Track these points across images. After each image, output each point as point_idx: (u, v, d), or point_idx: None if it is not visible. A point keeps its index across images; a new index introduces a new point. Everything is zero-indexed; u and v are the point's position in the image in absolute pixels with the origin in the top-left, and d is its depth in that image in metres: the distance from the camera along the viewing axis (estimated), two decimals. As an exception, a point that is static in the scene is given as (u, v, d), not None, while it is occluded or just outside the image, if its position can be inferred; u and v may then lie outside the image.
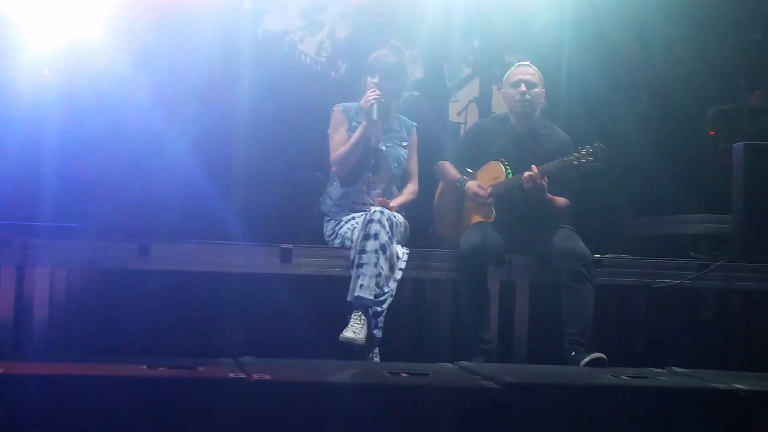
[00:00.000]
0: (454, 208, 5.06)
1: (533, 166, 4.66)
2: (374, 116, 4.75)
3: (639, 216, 6.49)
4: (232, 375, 3.49)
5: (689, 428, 3.69)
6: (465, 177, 5.00)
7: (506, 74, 5.03)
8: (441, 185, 5.20)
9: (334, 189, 4.92)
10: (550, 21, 6.87)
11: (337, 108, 4.95)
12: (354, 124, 4.86)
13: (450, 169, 5.09)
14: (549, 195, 4.73)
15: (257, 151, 6.21)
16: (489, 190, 4.88)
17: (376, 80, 4.83)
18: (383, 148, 4.90)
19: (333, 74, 7.98)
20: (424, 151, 5.66)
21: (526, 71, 4.94)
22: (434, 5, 6.98)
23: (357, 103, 4.93)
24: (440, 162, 5.16)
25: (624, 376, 3.98)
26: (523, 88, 4.89)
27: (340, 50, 8.22)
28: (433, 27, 7.56)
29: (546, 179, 4.66)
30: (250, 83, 6.16)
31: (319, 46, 10.81)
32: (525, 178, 4.66)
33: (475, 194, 4.90)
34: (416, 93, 8.87)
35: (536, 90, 4.92)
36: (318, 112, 5.40)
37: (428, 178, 5.25)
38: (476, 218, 4.93)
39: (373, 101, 4.76)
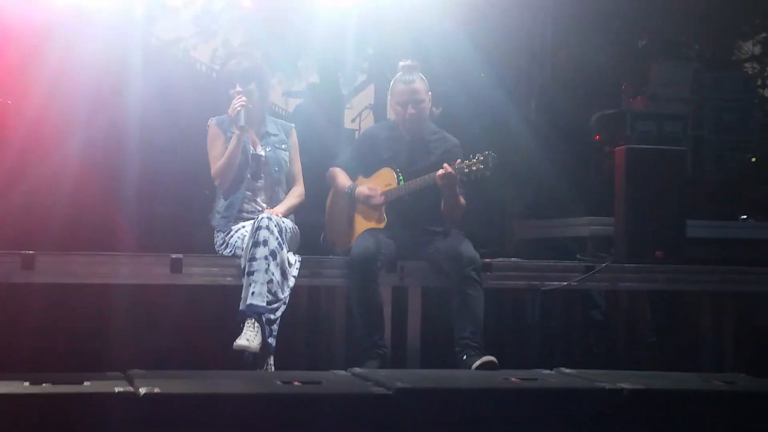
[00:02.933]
0: (346, 215, 5.08)
1: (446, 164, 4.70)
2: (242, 122, 4.76)
3: (527, 219, 6.62)
4: (119, 389, 3.42)
5: (577, 427, 3.78)
6: (355, 184, 5.02)
7: (391, 85, 5.03)
8: (332, 191, 5.21)
9: (220, 202, 4.89)
10: (443, 28, 6.96)
11: (212, 122, 4.94)
12: (229, 135, 4.84)
13: (340, 176, 5.11)
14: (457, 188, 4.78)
15: (149, 160, 6.12)
16: (380, 190, 4.91)
17: (237, 88, 4.83)
18: (262, 153, 4.90)
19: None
20: (318, 158, 5.67)
21: (411, 89, 4.93)
22: (328, 13, 6.99)
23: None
24: (331, 168, 5.17)
25: (514, 378, 4.04)
26: (410, 110, 4.93)
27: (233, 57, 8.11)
28: (327, 34, 7.59)
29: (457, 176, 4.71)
30: (142, 90, 6.07)
31: (213, 54, 10.75)
32: (440, 174, 4.69)
33: (367, 197, 4.93)
34: (306, 99, 8.89)
35: (423, 105, 4.96)
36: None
37: (321, 184, 5.26)
38: (368, 224, 4.95)
39: (239, 108, 4.76)
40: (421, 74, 4.98)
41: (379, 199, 4.90)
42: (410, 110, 4.92)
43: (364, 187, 4.96)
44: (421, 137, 5.01)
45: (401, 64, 5.02)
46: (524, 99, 7.02)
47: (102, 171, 5.74)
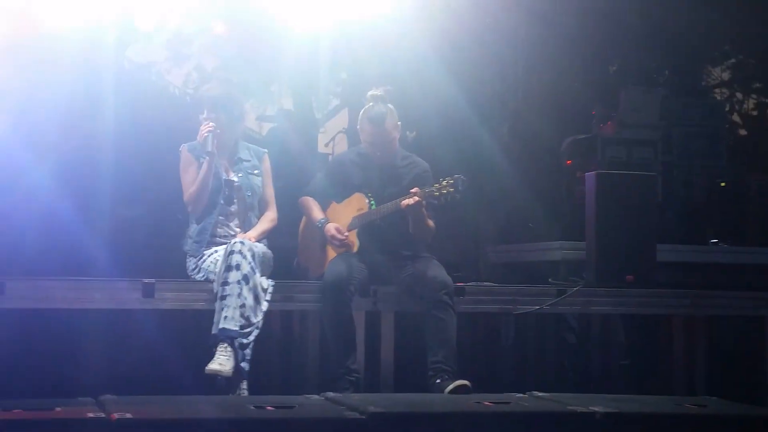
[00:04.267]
0: (319, 240, 5.08)
1: (417, 189, 4.71)
2: (209, 148, 4.77)
3: (500, 243, 6.65)
4: (90, 415, 3.41)
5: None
6: (325, 218, 5.03)
7: (360, 117, 5.00)
8: (305, 217, 5.22)
9: (192, 227, 4.89)
10: (416, 54, 7.02)
11: (183, 148, 4.94)
12: (201, 161, 4.84)
13: (313, 208, 5.10)
14: (425, 213, 4.80)
15: (122, 184, 6.11)
16: (346, 234, 4.91)
17: (205, 115, 4.86)
18: (235, 179, 4.91)
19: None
20: (291, 182, 5.68)
21: (378, 131, 4.89)
22: (301, 38, 7.03)
23: None
24: (303, 198, 5.17)
25: (486, 402, 4.06)
26: (378, 151, 4.94)
27: (208, 82, 8.17)
28: (301, 59, 7.63)
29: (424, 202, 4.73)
30: (115, 113, 6.06)
31: (187, 78, 10.76)
32: (405, 204, 4.71)
33: (333, 237, 4.93)
34: (280, 124, 8.92)
35: (392, 142, 4.96)
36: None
37: (294, 209, 5.26)
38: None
39: (206, 134, 4.78)
40: (390, 105, 4.96)
41: (345, 241, 4.89)
42: (378, 153, 4.94)
43: (331, 226, 4.96)
44: (391, 163, 5.03)
45: (370, 93, 5.01)
46: (496, 123, 7.07)
47: (73, 195, 5.72)
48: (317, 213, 5.06)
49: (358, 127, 5.05)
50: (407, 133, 5.14)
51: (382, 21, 6.71)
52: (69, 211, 5.55)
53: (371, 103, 4.97)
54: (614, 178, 5.52)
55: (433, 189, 4.72)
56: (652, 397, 4.60)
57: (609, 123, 6.54)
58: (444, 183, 4.71)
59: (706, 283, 5.71)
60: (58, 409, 3.50)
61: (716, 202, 6.85)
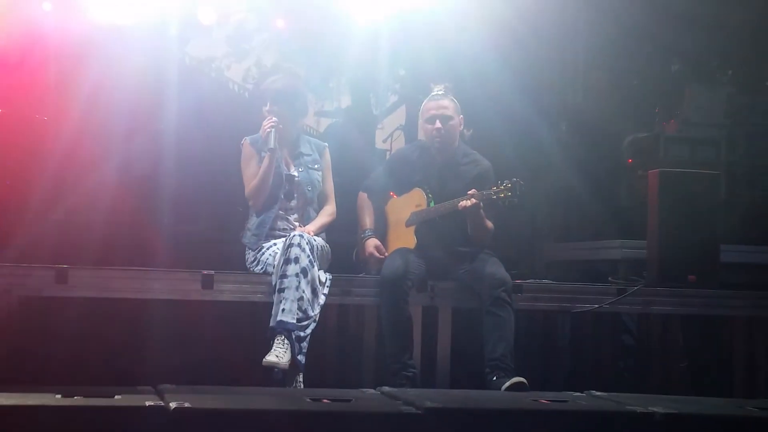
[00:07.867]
0: (379, 234, 5.08)
1: (474, 191, 4.70)
2: (271, 144, 4.77)
3: (559, 241, 6.58)
4: (149, 403, 3.43)
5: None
6: (370, 230, 5.02)
7: (421, 106, 5.05)
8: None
9: (252, 220, 4.91)
10: (475, 49, 6.97)
11: (245, 141, 4.95)
12: (263, 154, 4.85)
13: (365, 212, 5.10)
14: (482, 214, 4.78)
15: (184, 178, 6.18)
16: (386, 254, 4.90)
17: (268, 107, 4.85)
18: (295, 173, 4.92)
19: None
20: (350, 178, 5.69)
21: (440, 105, 4.95)
22: (361, 34, 7.02)
23: None
24: (360, 195, 5.17)
25: (543, 400, 4.02)
26: (438, 124, 4.93)
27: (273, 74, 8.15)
28: (360, 55, 7.62)
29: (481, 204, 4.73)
30: (177, 109, 6.13)
31: (246, 73, 10.81)
32: (462, 206, 4.69)
33: (371, 255, 4.94)
34: (338, 120, 8.94)
35: (452, 122, 4.97)
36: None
37: (352, 203, 5.26)
38: (398, 244, 4.95)
39: (269, 129, 4.77)
40: (452, 97, 4.99)
41: (380, 261, 4.87)
42: (437, 125, 4.92)
43: (371, 242, 4.96)
44: (453, 160, 5.01)
45: (433, 87, 5.02)
46: (556, 119, 7.00)
47: (138, 188, 5.80)
48: (365, 221, 5.07)
49: (419, 115, 5.05)
50: (464, 130, 5.13)
51: (442, 13, 6.68)
52: (133, 204, 5.63)
53: (434, 93, 4.97)
54: (678, 176, 5.44)
55: (491, 192, 4.70)
56: (712, 399, 4.52)
57: (672, 121, 6.44)
58: (502, 186, 4.69)
59: (769, 285, 5.60)
60: (117, 396, 3.54)
61: (781, 203, 6.71)
